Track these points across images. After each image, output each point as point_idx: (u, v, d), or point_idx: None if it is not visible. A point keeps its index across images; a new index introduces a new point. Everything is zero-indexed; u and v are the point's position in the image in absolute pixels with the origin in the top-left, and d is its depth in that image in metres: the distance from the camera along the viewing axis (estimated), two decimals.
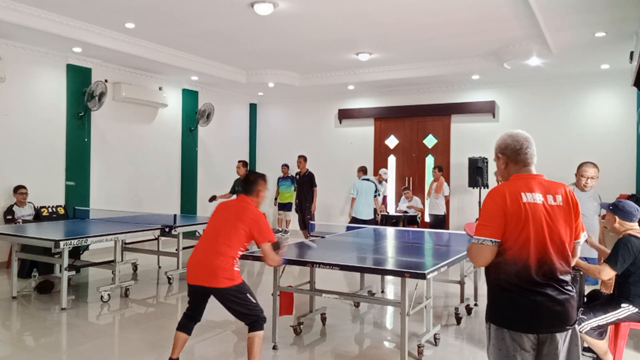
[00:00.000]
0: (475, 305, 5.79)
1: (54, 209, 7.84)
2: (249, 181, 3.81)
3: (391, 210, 10.62)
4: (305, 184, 10.02)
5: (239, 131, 12.59)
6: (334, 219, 11.48)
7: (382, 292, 6.40)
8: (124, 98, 9.19)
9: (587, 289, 4.15)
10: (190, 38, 8.05)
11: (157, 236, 6.93)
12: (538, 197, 2.25)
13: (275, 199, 11.74)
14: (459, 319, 5.18)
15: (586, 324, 3.65)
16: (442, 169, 9.95)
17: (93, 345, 4.46)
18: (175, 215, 6.92)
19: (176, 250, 7.00)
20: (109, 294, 5.86)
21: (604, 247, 4.32)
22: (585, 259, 4.35)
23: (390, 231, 6.52)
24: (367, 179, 9.04)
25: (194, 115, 10.81)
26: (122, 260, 6.21)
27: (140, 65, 9.19)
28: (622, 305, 3.65)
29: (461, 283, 5.54)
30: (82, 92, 8.39)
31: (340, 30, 7.44)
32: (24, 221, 7.27)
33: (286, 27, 7.28)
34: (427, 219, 10.26)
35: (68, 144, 8.41)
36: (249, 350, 3.57)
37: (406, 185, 10.84)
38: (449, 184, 10.03)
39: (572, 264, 2.38)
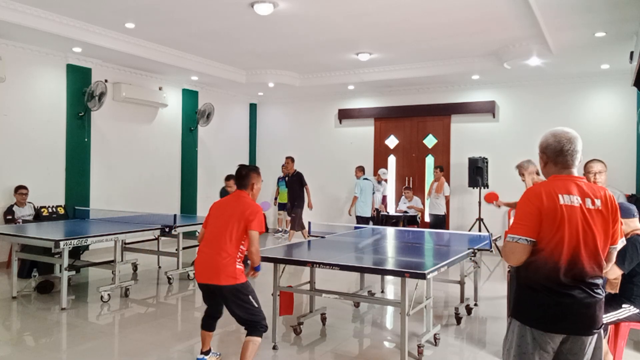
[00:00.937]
0: (475, 305, 5.79)
1: (54, 209, 7.84)
2: (241, 175, 3.77)
3: (391, 210, 10.62)
4: (295, 185, 9.88)
5: (239, 131, 12.59)
6: (334, 219, 11.47)
7: (382, 292, 6.40)
8: (124, 98, 9.19)
9: None
10: (190, 38, 8.05)
11: (157, 236, 6.92)
12: (575, 200, 2.21)
13: (275, 198, 11.75)
14: (459, 319, 5.18)
15: None
16: (443, 168, 9.95)
17: (93, 345, 4.46)
18: (175, 215, 6.92)
19: (176, 250, 7.00)
20: (109, 294, 5.86)
21: None
22: None
23: (390, 231, 6.52)
24: (367, 178, 9.55)
25: (194, 115, 10.81)
26: (122, 260, 6.21)
27: (140, 65, 9.19)
28: (623, 305, 3.65)
29: (461, 283, 5.54)
30: (82, 92, 8.39)
31: (340, 30, 7.44)
32: (24, 221, 7.27)
33: (286, 27, 7.28)
34: (427, 219, 10.26)
35: (68, 144, 8.42)
36: (242, 354, 3.53)
37: (406, 185, 10.84)
38: (449, 184, 10.04)
39: (608, 269, 2.36)
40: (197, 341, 4.45)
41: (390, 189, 11.27)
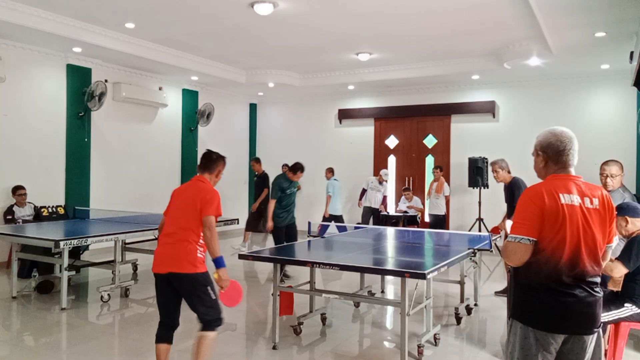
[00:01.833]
0: (475, 305, 5.79)
1: (54, 209, 7.83)
2: (211, 159, 3.60)
3: (391, 210, 10.62)
4: (260, 186, 9.55)
5: (239, 131, 12.59)
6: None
7: (382, 292, 6.40)
8: (124, 98, 9.19)
9: None
10: (190, 38, 8.05)
11: (157, 236, 6.90)
12: (575, 199, 2.22)
13: None
14: (459, 319, 5.18)
15: None
16: (443, 168, 9.95)
17: (93, 345, 4.46)
18: None
19: None
20: (109, 294, 5.86)
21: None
22: None
23: (390, 231, 6.52)
24: (336, 179, 10.00)
25: (194, 115, 10.81)
26: (122, 260, 6.20)
27: (140, 65, 9.19)
28: (625, 305, 3.64)
29: (461, 283, 5.54)
30: (82, 92, 8.39)
31: (340, 30, 7.44)
32: (24, 221, 7.27)
33: (286, 27, 7.28)
34: (427, 219, 10.26)
35: (68, 144, 8.41)
36: (195, 350, 3.35)
37: (406, 185, 10.84)
38: (449, 184, 10.04)
39: (603, 267, 2.36)
40: None
41: (390, 189, 11.27)
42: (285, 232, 6.92)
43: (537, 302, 2.22)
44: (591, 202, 2.24)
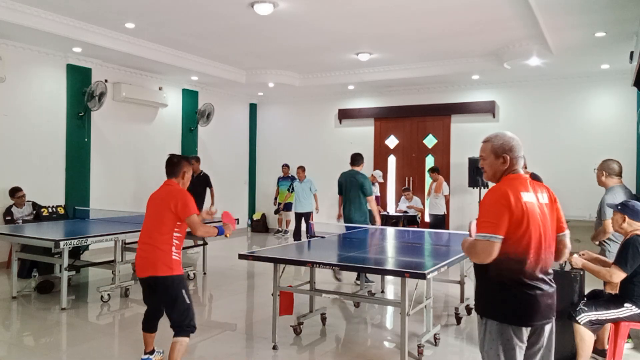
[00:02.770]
0: None
1: (54, 209, 7.83)
2: (173, 163, 3.76)
3: (391, 210, 10.62)
4: (200, 186, 9.12)
5: (239, 131, 12.59)
6: (334, 219, 11.46)
7: (382, 292, 6.40)
8: (124, 98, 9.19)
9: (587, 289, 4.14)
10: (190, 38, 8.05)
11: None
12: (532, 197, 2.36)
13: (275, 198, 11.74)
14: (459, 319, 5.18)
15: (585, 315, 3.65)
16: (438, 169, 9.84)
17: (93, 345, 4.47)
18: None
19: None
20: (109, 294, 5.86)
21: (595, 265, 3.84)
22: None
23: (390, 231, 6.52)
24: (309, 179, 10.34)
25: (194, 115, 10.81)
26: (122, 260, 6.20)
27: (140, 65, 9.18)
28: (625, 305, 3.65)
29: (461, 283, 5.54)
30: (82, 92, 8.39)
31: (340, 30, 7.44)
32: (24, 221, 7.27)
33: (286, 27, 7.28)
34: (427, 219, 10.26)
35: (68, 144, 8.41)
36: (169, 356, 3.48)
37: (406, 185, 10.84)
38: (448, 184, 10.03)
39: (566, 257, 2.54)
40: (197, 341, 4.46)
41: (390, 189, 11.29)
42: None
43: (511, 299, 2.32)
44: (542, 197, 2.40)
